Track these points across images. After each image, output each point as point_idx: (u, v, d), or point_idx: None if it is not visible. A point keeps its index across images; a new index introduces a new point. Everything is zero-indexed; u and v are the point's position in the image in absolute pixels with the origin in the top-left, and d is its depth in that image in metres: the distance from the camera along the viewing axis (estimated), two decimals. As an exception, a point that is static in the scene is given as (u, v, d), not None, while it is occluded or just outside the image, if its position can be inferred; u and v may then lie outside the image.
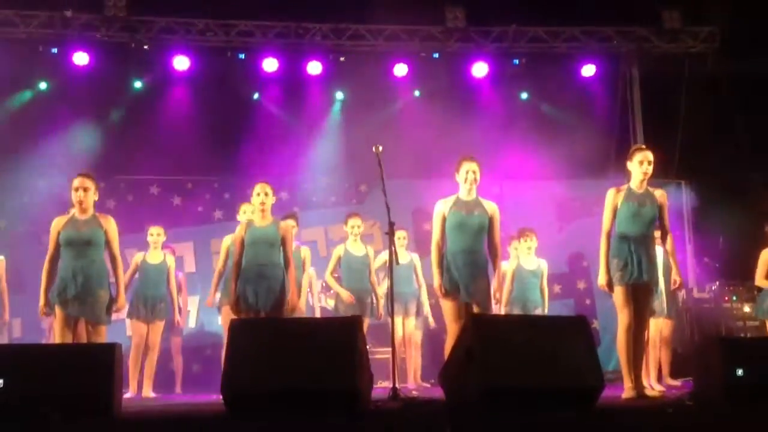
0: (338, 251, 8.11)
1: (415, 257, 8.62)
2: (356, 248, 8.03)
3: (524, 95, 11.38)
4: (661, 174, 10.96)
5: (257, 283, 6.32)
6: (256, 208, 6.48)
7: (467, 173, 6.02)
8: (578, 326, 4.99)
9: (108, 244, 6.05)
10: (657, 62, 10.82)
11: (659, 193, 6.04)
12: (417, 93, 11.21)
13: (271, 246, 6.41)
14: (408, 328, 8.48)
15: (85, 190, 5.92)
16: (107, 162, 10.12)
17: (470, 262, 5.94)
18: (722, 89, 10.26)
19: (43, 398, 4.47)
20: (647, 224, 5.97)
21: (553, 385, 4.54)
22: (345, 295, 7.89)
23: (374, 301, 8.00)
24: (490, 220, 6.07)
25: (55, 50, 10.19)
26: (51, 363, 4.67)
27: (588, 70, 10.96)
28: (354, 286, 7.93)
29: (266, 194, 6.47)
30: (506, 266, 7.99)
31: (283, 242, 6.49)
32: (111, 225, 6.06)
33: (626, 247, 5.90)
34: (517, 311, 7.80)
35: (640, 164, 5.93)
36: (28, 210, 10.09)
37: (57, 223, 5.99)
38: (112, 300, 6.05)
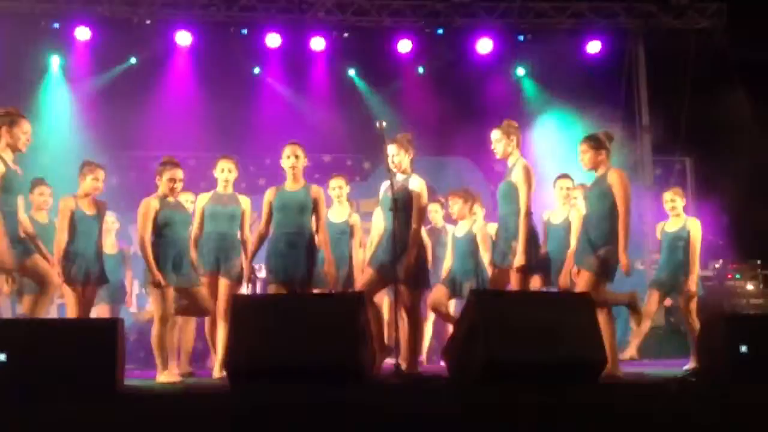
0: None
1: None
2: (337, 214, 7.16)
3: (528, 72, 11.29)
4: (666, 151, 10.98)
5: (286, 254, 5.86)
6: (288, 172, 6.04)
7: None
8: (581, 302, 4.99)
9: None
10: (663, 38, 10.69)
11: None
12: (421, 69, 11.13)
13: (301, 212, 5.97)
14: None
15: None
16: (109, 138, 10.06)
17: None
18: (728, 66, 10.15)
19: (46, 373, 4.48)
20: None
21: (555, 359, 4.54)
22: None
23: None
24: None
25: (57, 24, 10.11)
26: (54, 338, 4.67)
27: (593, 47, 10.85)
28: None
29: (296, 156, 6.03)
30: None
31: (316, 207, 6.01)
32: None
33: None
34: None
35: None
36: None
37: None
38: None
